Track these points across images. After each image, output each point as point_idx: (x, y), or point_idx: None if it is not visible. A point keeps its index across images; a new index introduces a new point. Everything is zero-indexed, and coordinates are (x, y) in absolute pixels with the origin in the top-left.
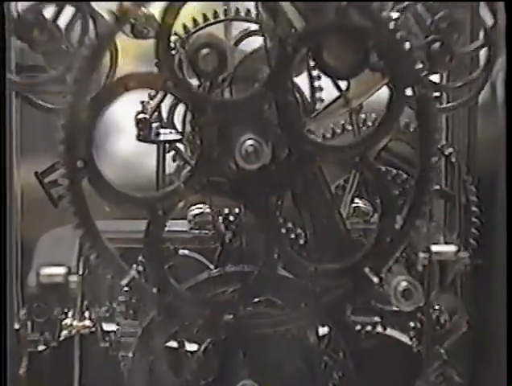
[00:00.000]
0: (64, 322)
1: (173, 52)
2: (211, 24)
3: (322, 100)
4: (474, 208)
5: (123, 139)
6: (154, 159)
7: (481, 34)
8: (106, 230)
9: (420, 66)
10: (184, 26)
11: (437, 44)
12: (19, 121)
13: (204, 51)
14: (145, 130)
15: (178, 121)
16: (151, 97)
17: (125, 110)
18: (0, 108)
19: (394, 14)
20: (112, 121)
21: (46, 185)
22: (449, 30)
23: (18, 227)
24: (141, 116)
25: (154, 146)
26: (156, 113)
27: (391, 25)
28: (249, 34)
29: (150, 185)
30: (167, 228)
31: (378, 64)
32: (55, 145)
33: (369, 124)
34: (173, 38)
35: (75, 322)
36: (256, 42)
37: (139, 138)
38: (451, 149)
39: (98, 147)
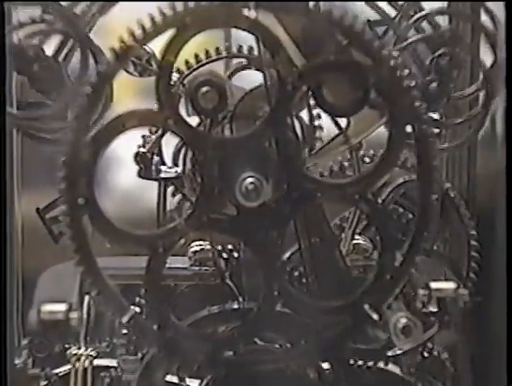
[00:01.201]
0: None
1: (173, 90)
2: (211, 62)
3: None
4: (473, 242)
5: (124, 172)
6: (154, 192)
7: (481, 76)
8: (107, 266)
9: (420, 103)
10: (186, 62)
11: (435, 84)
12: (20, 153)
13: (204, 88)
14: (145, 165)
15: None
16: (152, 132)
17: (125, 143)
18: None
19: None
20: (112, 154)
21: (47, 221)
22: (448, 69)
23: (18, 261)
24: (141, 150)
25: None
26: (157, 149)
27: (391, 62)
28: (243, 67)
29: (151, 218)
30: (167, 265)
31: (378, 102)
32: (56, 178)
33: (367, 160)
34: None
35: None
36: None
37: (140, 175)
38: (448, 185)
39: (99, 180)
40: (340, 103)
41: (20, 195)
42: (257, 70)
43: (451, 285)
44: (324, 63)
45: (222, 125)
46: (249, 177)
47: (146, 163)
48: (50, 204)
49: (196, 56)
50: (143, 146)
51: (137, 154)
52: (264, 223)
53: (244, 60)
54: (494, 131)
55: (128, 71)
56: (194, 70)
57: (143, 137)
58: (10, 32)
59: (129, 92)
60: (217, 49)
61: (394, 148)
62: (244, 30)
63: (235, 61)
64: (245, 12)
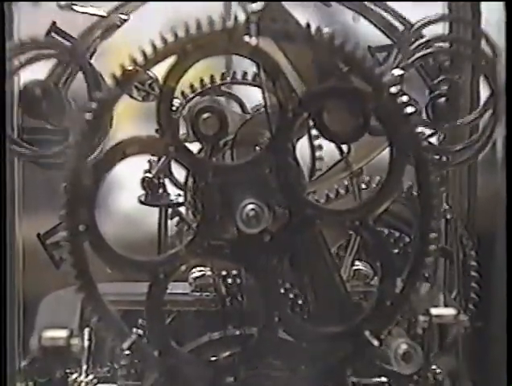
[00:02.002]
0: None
1: (175, 115)
2: (212, 88)
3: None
4: (474, 273)
5: (125, 195)
6: (155, 215)
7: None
8: (108, 292)
9: (421, 130)
10: (191, 86)
11: (442, 99)
12: (21, 177)
13: (205, 115)
14: (152, 191)
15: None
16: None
17: (126, 166)
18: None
19: (399, 71)
20: (113, 177)
21: (48, 247)
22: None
23: (19, 286)
24: (147, 176)
25: None
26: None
27: (392, 89)
28: None
29: (152, 241)
30: (168, 291)
31: (379, 128)
32: (57, 201)
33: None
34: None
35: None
36: None
37: (141, 201)
38: (448, 208)
39: (99, 203)
40: (340, 130)
41: (21, 219)
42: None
43: (451, 311)
44: (324, 90)
45: (223, 152)
46: (250, 203)
47: (152, 189)
48: (51, 230)
49: (201, 81)
50: (149, 171)
51: (143, 180)
52: (265, 250)
53: None
54: (495, 154)
55: (131, 96)
56: (197, 95)
57: (149, 162)
58: (10, 59)
59: (129, 115)
60: (223, 74)
61: (394, 175)
62: (245, 57)
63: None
64: (247, 39)
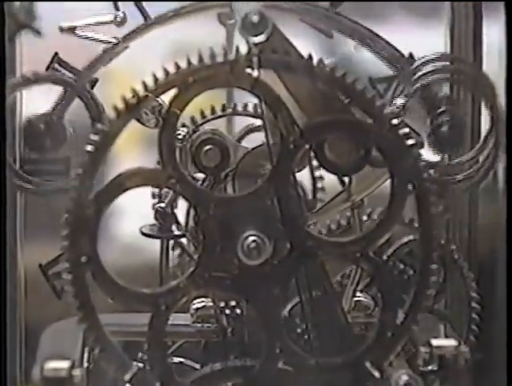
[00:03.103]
0: None
1: (177, 146)
2: (214, 119)
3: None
4: (475, 304)
5: (126, 222)
6: (156, 243)
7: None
8: (109, 323)
9: (422, 162)
10: (192, 119)
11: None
12: (23, 205)
13: (207, 147)
14: (165, 221)
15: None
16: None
17: (128, 194)
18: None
19: (401, 100)
20: (114, 204)
21: (50, 277)
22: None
23: (21, 315)
24: (160, 206)
25: None
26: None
27: (393, 121)
28: (252, 130)
29: (153, 269)
30: (169, 322)
31: (380, 160)
32: (59, 230)
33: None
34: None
35: None
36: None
37: (142, 232)
38: (453, 246)
39: (101, 231)
40: (341, 161)
41: (23, 248)
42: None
43: (452, 342)
44: (325, 122)
45: (225, 183)
46: (251, 235)
47: (165, 219)
48: (53, 260)
49: (202, 113)
50: (160, 201)
51: (156, 211)
52: (266, 281)
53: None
54: (496, 185)
55: (140, 121)
56: (199, 126)
57: (157, 192)
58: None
59: (131, 142)
60: (223, 106)
61: (395, 206)
62: (246, 90)
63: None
64: (248, 71)
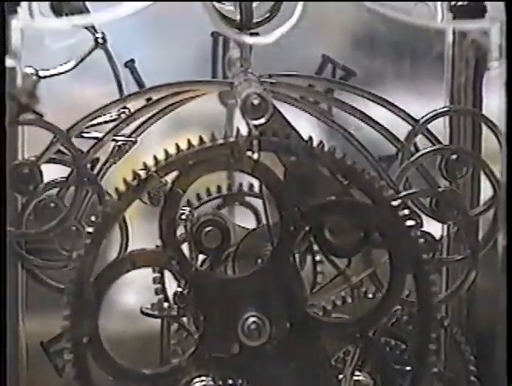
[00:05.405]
0: None
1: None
2: (216, 198)
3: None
4: (473, 378)
5: (127, 291)
6: None
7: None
8: None
9: (421, 243)
10: (197, 195)
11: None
12: (25, 276)
13: (208, 228)
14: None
15: None
16: None
17: None
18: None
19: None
20: None
21: (51, 355)
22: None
23: None
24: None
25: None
26: None
27: (393, 203)
28: None
29: (154, 337)
30: None
31: (379, 241)
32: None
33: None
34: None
35: None
36: None
37: (142, 312)
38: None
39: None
40: (341, 243)
41: (24, 319)
42: None
43: None
44: (325, 204)
45: (225, 265)
46: (251, 316)
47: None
48: (54, 338)
49: (208, 190)
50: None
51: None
52: (266, 361)
53: None
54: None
55: (142, 201)
56: (200, 205)
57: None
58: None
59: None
60: (229, 185)
61: (394, 288)
62: (246, 173)
63: None
64: (249, 154)
